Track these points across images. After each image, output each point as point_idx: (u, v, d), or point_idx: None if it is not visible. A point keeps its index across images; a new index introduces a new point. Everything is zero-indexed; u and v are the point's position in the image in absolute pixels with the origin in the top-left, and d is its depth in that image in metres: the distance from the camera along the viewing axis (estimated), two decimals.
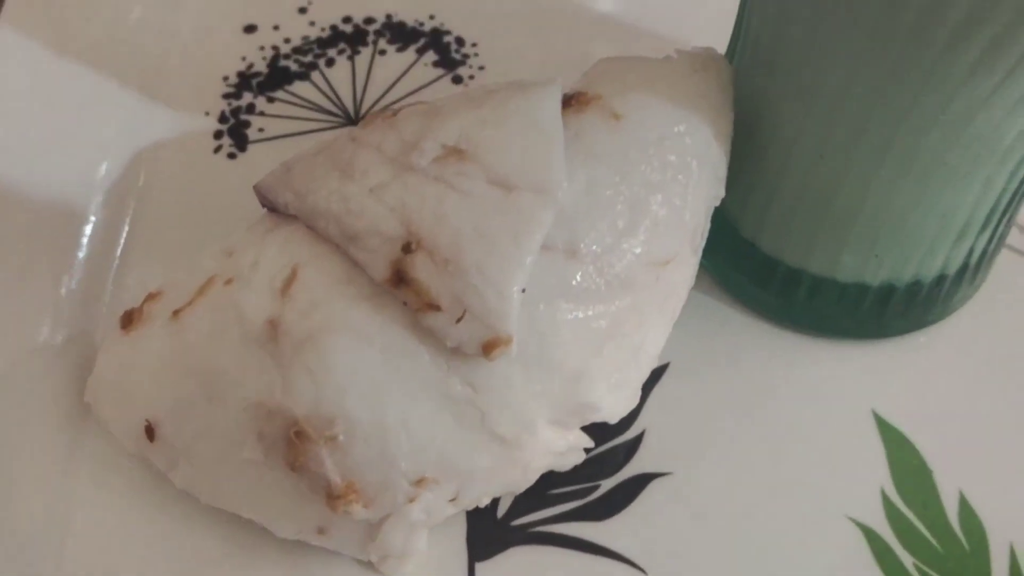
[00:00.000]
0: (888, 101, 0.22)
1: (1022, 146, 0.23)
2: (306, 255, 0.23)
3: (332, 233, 0.23)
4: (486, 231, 0.22)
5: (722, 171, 0.25)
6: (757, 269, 0.28)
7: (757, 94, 0.25)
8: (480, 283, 0.22)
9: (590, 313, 0.23)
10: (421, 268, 0.22)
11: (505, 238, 0.22)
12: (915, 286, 0.27)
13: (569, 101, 0.24)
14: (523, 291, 0.22)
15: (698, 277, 0.26)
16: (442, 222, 0.22)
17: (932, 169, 0.23)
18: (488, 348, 0.22)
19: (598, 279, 0.23)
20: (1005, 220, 0.26)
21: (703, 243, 0.26)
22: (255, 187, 0.25)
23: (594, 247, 0.23)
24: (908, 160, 0.23)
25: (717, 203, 0.25)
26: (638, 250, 0.23)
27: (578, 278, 0.23)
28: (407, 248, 0.22)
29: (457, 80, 0.33)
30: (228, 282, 0.24)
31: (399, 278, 0.22)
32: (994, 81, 0.20)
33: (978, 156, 0.23)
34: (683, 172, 0.24)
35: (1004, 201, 0.25)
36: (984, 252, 0.27)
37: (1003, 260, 0.30)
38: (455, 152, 0.23)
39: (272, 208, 0.25)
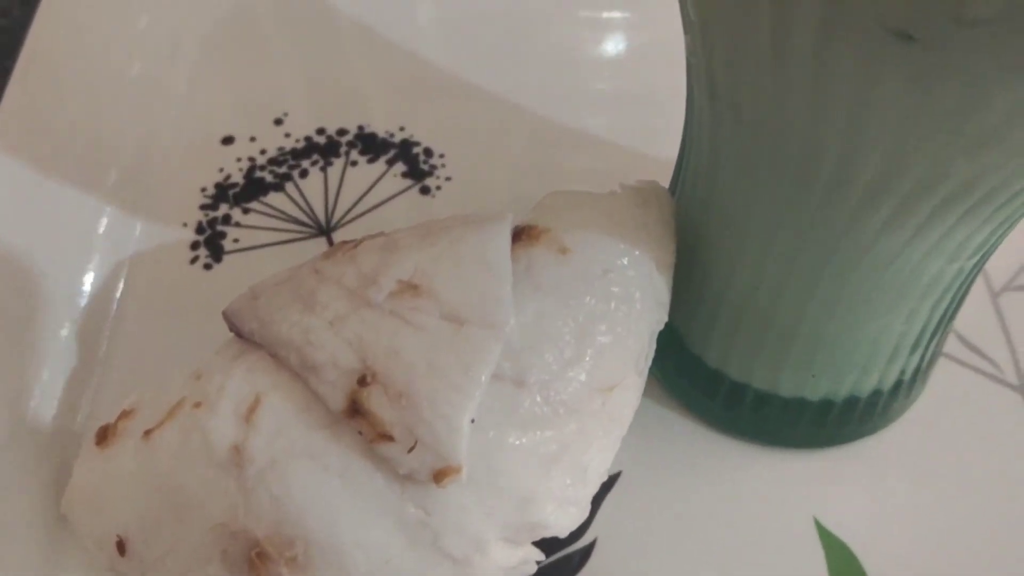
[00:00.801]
0: (812, 246, 0.23)
1: (940, 284, 0.24)
2: (269, 383, 0.25)
3: (293, 363, 0.24)
4: (437, 365, 0.23)
5: (665, 298, 0.27)
6: (704, 381, 0.30)
7: (696, 226, 0.27)
8: (431, 416, 0.23)
9: (538, 438, 0.24)
10: (375, 401, 0.23)
11: (455, 372, 0.23)
12: (852, 401, 0.29)
13: (520, 235, 0.26)
14: (472, 421, 0.23)
15: (649, 386, 0.28)
16: (396, 356, 0.23)
17: (858, 304, 0.25)
18: (439, 476, 0.23)
19: (545, 407, 0.24)
20: (935, 341, 0.28)
21: (648, 365, 0.27)
22: (223, 313, 0.26)
23: (541, 376, 0.24)
24: (835, 296, 0.25)
25: (661, 327, 0.27)
26: (583, 377, 0.25)
27: (526, 406, 0.24)
28: (363, 381, 0.23)
29: (425, 191, 0.35)
30: (196, 405, 0.25)
31: (355, 409, 0.23)
32: (905, 236, 0.22)
33: (900, 294, 0.24)
34: (626, 302, 0.26)
35: (931, 328, 0.27)
36: (917, 368, 0.29)
37: (942, 367, 0.32)
38: (410, 287, 0.24)
39: (239, 334, 0.26)
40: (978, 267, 0.25)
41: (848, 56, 0.17)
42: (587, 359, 0.25)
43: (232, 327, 0.26)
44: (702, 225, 0.26)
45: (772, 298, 0.26)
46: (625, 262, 0.26)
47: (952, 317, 0.28)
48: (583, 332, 0.25)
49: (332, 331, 0.24)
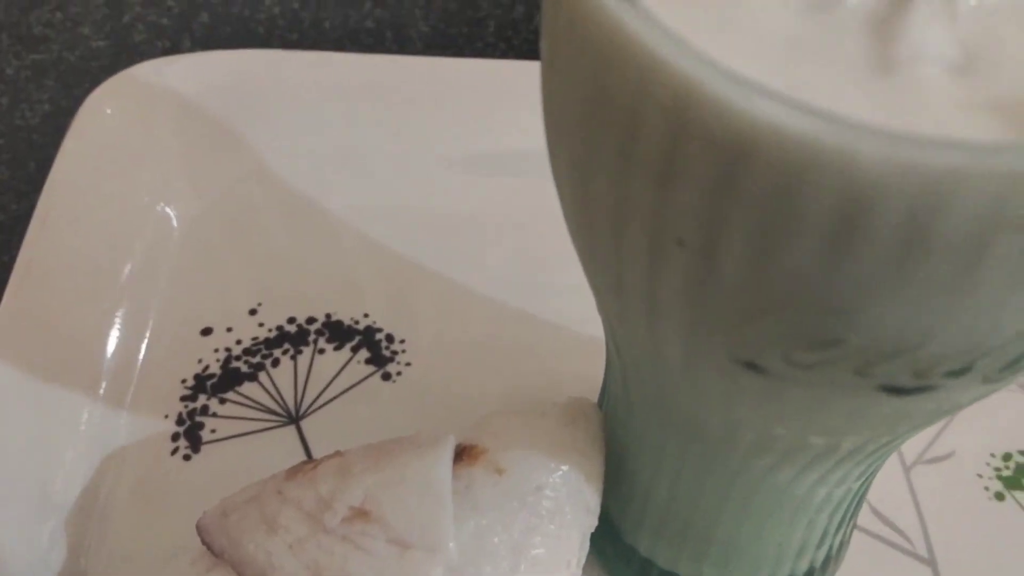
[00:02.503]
0: (716, 476, 0.27)
1: (832, 501, 0.28)
2: None
3: None
4: None
5: (594, 504, 0.30)
6: (638, 567, 0.33)
7: (620, 439, 0.30)
8: None
9: None
10: None
11: None
12: None
13: (461, 455, 0.29)
14: None
15: (591, 565, 0.31)
16: None
17: (763, 518, 0.28)
18: None
19: None
20: (841, 534, 0.31)
21: (581, 564, 0.30)
22: (196, 526, 0.29)
23: None
24: (742, 510, 0.28)
25: (592, 529, 0.30)
26: None
27: None
28: None
29: (386, 377, 0.38)
30: None
31: None
32: (791, 476, 0.25)
33: (796, 511, 0.27)
34: (558, 514, 0.29)
35: (832, 528, 0.30)
36: (827, 557, 0.32)
37: (857, 541, 0.35)
38: (361, 513, 0.27)
39: (209, 547, 0.29)
40: (869, 481, 0.28)
41: (712, 374, 0.20)
42: (522, 569, 0.28)
43: (204, 541, 0.29)
44: (624, 440, 0.30)
45: (689, 508, 0.29)
46: (555, 479, 0.29)
47: (854, 515, 0.31)
48: (518, 545, 0.28)
49: (292, 554, 0.27)
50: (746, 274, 0.18)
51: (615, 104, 0.18)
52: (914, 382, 0.19)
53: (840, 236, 0.16)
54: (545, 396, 0.34)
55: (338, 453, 0.30)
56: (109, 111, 0.42)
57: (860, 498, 0.30)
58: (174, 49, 0.48)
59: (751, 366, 0.20)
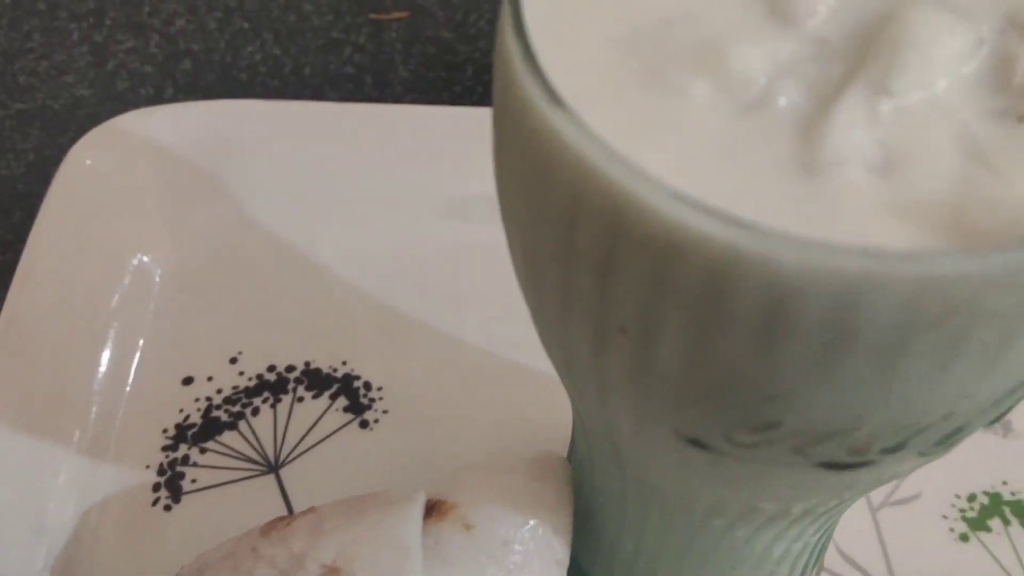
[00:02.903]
0: (677, 534, 0.27)
1: (791, 555, 0.28)
2: None
3: None
4: None
5: (563, 555, 0.31)
6: None
7: (587, 493, 0.31)
8: None
9: None
10: None
11: None
12: None
13: (431, 510, 0.30)
14: None
15: None
16: None
17: (724, 571, 0.29)
18: None
19: None
20: None
21: None
22: None
23: None
24: (702, 565, 0.28)
25: None
26: None
27: None
28: None
29: (364, 424, 0.39)
30: None
31: None
32: (747, 535, 0.26)
33: (757, 564, 0.28)
34: (526, 568, 0.29)
35: None
36: None
37: None
38: (332, 571, 0.28)
39: None
40: (829, 534, 0.29)
41: (661, 446, 0.21)
42: None
43: None
44: (591, 495, 0.30)
45: (654, 561, 0.30)
46: (524, 533, 0.30)
47: (818, 561, 0.31)
48: None
49: None
50: (684, 362, 0.19)
51: (556, 203, 0.18)
52: (851, 459, 0.20)
53: (767, 331, 0.17)
54: (520, 444, 0.35)
55: (312, 509, 0.31)
56: (91, 163, 0.42)
57: (822, 547, 0.31)
58: (157, 96, 0.49)
59: (696, 443, 0.21)
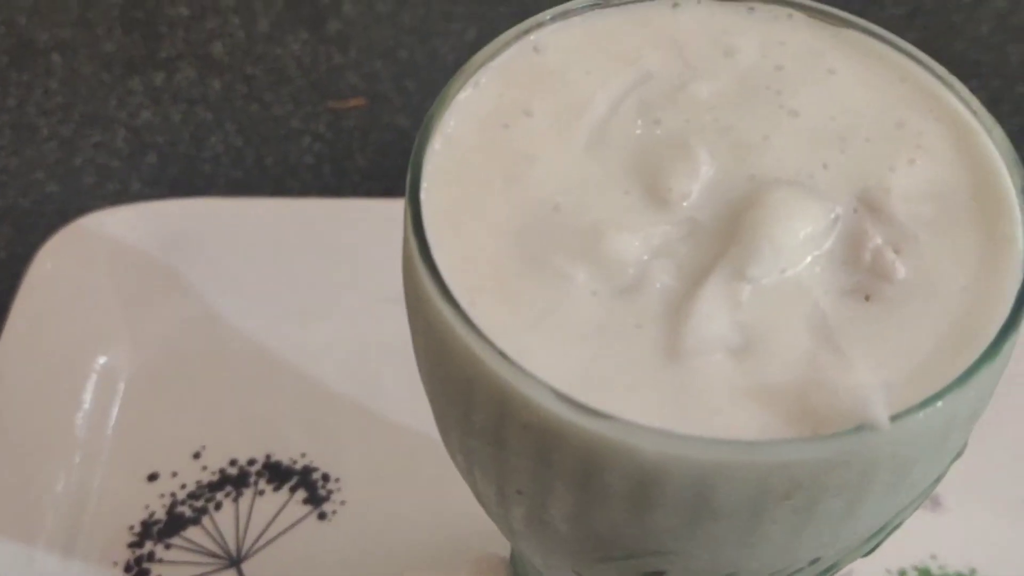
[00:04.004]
0: None
1: None
2: None
3: None
4: None
5: None
6: None
7: None
8: None
9: None
10: None
11: None
12: None
13: None
14: None
15: None
16: None
17: None
18: None
19: None
20: None
21: None
22: None
23: None
24: None
25: None
26: None
27: None
28: None
29: (322, 516, 0.41)
30: None
31: None
32: None
33: None
34: None
35: None
36: None
37: None
38: None
39: None
40: None
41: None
42: None
43: None
44: None
45: None
46: None
47: None
48: None
49: None
50: (574, 522, 0.21)
51: (453, 384, 0.20)
52: None
53: (639, 504, 0.19)
54: (468, 540, 0.37)
55: None
56: (56, 266, 0.44)
57: None
58: (123, 191, 0.51)
59: None
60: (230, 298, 0.46)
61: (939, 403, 0.18)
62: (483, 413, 0.20)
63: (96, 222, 0.46)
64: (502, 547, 0.35)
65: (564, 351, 0.20)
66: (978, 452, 0.43)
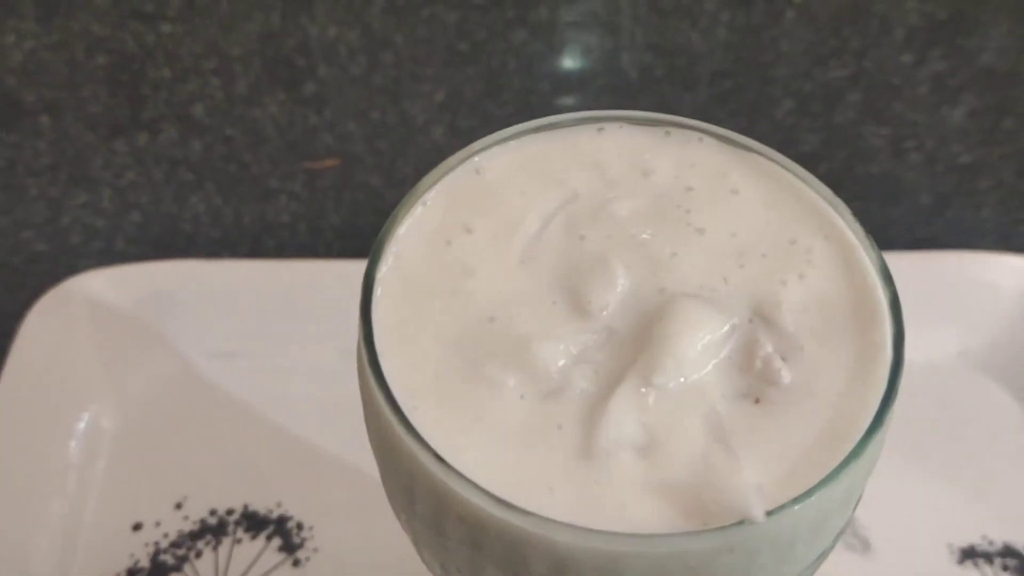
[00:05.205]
0: None
1: None
2: None
3: None
4: None
5: None
6: None
7: None
8: None
9: None
10: None
11: None
12: None
13: None
14: None
15: None
16: None
17: None
18: None
19: None
20: None
21: None
22: None
23: None
24: None
25: None
26: None
27: None
28: None
29: (296, 563, 0.44)
30: None
31: None
32: None
33: None
34: None
35: None
36: None
37: None
38: None
39: None
40: None
41: None
42: None
43: None
44: None
45: None
46: None
47: None
48: None
49: None
50: None
51: (398, 476, 0.23)
52: None
53: None
54: None
55: None
56: (44, 327, 0.47)
57: None
58: (108, 249, 0.54)
59: None
60: (209, 356, 0.49)
61: (812, 498, 0.22)
62: (424, 504, 0.23)
63: (81, 284, 0.49)
64: None
65: (494, 451, 0.23)
66: (906, 500, 0.46)
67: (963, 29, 0.64)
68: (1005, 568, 0.43)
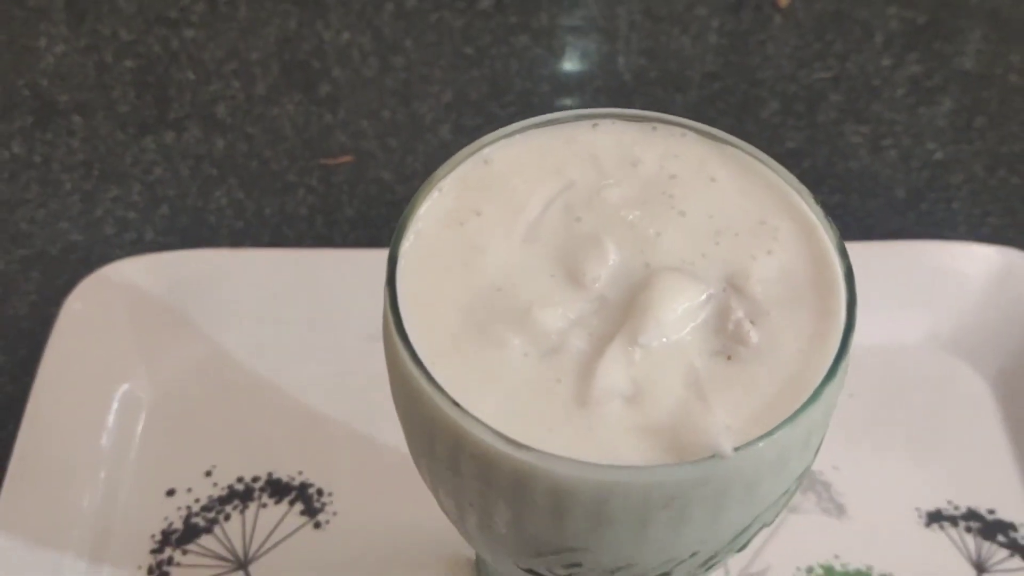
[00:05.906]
0: None
1: None
2: None
3: None
4: None
5: None
6: None
7: None
8: None
9: None
10: None
11: None
12: None
13: None
14: None
15: None
16: None
17: None
18: None
19: None
20: None
21: None
22: None
23: None
24: None
25: None
26: None
27: None
28: None
29: (317, 525, 0.47)
30: None
31: None
32: None
33: None
34: None
35: None
36: None
37: None
38: None
39: None
40: None
41: (511, 571, 0.30)
42: None
43: None
44: None
45: None
46: None
47: None
48: None
49: None
50: (511, 528, 0.27)
51: (420, 424, 0.27)
52: None
53: (556, 513, 0.26)
54: (442, 540, 0.43)
55: None
56: (84, 309, 0.51)
57: None
58: (139, 239, 0.58)
59: (532, 571, 0.29)
60: (235, 336, 0.52)
61: (774, 435, 0.25)
62: (442, 445, 0.27)
63: (116, 271, 0.52)
64: (468, 549, 0.42)
65: (502, 400, 0.26)
66: (878, 470, 0.50)
67: (940, 34, 0.68)
68: (968, 530, 0.47)
